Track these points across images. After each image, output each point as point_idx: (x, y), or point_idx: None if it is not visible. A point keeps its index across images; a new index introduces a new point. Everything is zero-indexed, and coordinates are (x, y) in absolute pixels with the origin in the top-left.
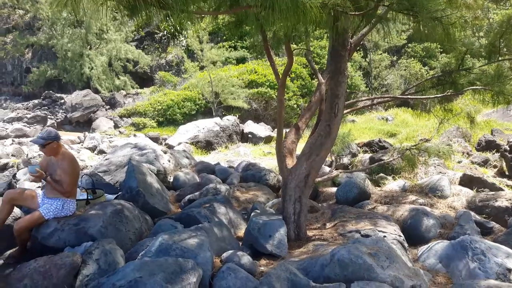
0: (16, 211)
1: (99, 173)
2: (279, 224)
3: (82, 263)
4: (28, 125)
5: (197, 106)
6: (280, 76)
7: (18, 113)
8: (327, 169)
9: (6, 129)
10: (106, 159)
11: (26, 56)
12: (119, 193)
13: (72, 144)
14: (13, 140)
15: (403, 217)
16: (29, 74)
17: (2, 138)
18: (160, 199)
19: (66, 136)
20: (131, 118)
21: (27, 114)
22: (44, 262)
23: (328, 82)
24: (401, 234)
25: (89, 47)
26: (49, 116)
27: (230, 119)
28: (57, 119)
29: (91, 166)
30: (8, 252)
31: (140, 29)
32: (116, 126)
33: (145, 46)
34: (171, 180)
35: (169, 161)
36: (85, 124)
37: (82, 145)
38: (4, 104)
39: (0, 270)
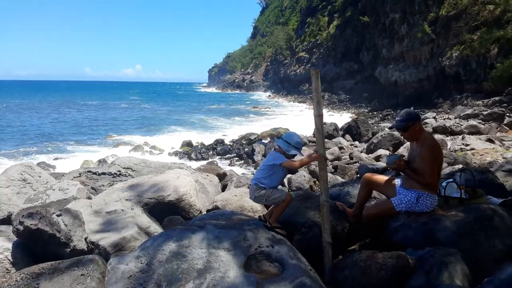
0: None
1: (503, 171)
2: None
3: (414, 271)
4: (482, 122)
5: None
6: None
7: (474, 110)
8: None
9: (461, 125)
10: None
11: (491, 52)
12: (509, 198)
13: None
14: (463, 137)
15: None
16: (492, 71)
17: (456, 134)
18: None
19: None
20: None
21: (483, 111)
22: (367, 257)
23: None
24: None
25: None
26: (507, 114)
27: None
28: None
29: (496, 161)
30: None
31: None
32: None
33: None
34: None
35: None
36: None
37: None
38: (465, 101)
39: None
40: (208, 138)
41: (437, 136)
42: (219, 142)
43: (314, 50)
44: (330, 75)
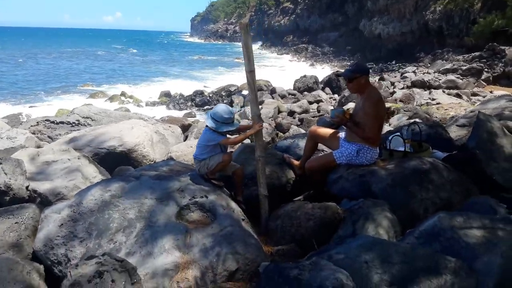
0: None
1: (457, 126)
2: None
3: (343, 222)
4: (461, 77)
5: None
6: None
7: (454, 65)
8: None
9: (440, 80)
10: (470, 111)
11: (475, 7)
12: (454, 152)
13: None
14: (443, 91)
15: None
16: (474, 26)
17: (434, 88)
18: (508, 170)
19: (499, 92)
20: None
21: (462, 66)
22: (298, 207)
23: None
24: None
25: None
26: (485, 69)
27: None
28: (494, 72)
29: (452, 117)
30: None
31: None
32: None
33: None
34: None
35: None
36: None
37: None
38: (446, 56)
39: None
40: (188, 89)
41: (406, 91)
42: (198, 93)
43: (299, 0)
44: (315, 27)
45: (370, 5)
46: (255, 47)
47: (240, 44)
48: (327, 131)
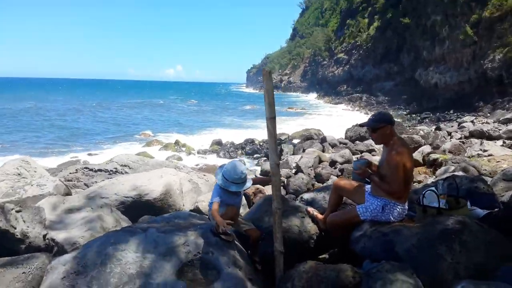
0: None
1: (505, 180)
2: None
3: (361, 286)
4: None
5: None
6: None
7: None
8: None
9: (500, 130)
10: None
11: None
12: (495, 210)
13: None
14: (504, 142)
15: None
16: None
17: (494, 139)
18: None
19: None
20: None
21: None
22: (309, 269)
23: None
24: None
25: None
26: None
27: None
28: None
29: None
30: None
31: None
32: None
33: None
34: None
35: None
36: None
37: None
38: (507, 105)
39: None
40: (239, 138)
41: (456, 141)
42: (249, 141)
43: (353, 51)
44: (369, 77)
45: (426, 55)
46: (312, 97)
47: (294, 94)
48: (351, 183)
